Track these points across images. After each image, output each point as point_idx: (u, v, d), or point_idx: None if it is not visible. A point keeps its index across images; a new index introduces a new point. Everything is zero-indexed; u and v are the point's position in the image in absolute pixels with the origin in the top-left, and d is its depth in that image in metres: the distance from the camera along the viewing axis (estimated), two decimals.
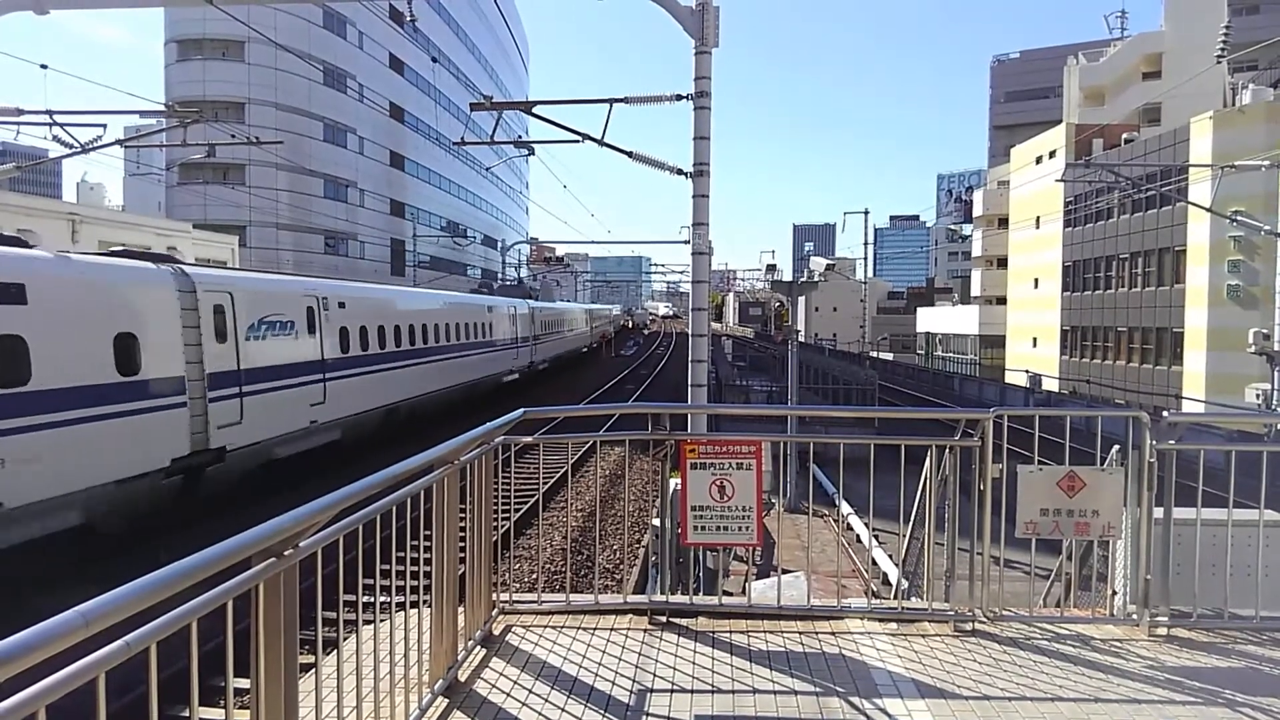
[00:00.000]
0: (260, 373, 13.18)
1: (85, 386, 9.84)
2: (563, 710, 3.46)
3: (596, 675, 3.79)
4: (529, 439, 4.70)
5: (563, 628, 4.36)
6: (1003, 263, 53.86)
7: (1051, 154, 43.46)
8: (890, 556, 10.73)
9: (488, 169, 62.81)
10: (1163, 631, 4.28)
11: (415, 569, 3.54)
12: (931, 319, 64.13)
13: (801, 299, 28.72)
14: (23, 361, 9.01)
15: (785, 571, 9.78)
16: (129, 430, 10.43)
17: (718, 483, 4.40)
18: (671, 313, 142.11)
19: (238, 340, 12.70)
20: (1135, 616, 4.39)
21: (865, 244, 55.86)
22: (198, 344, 11.79)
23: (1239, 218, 21.99)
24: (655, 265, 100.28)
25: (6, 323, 8.88)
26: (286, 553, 2.32)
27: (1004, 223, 53.43)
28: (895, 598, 5.72)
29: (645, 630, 4.33)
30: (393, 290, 22.24)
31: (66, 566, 9.16)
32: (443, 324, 22.33)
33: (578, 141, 12.47)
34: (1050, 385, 37.77)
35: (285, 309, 14.29)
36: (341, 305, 16.21)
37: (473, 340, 25.07)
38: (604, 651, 4.06)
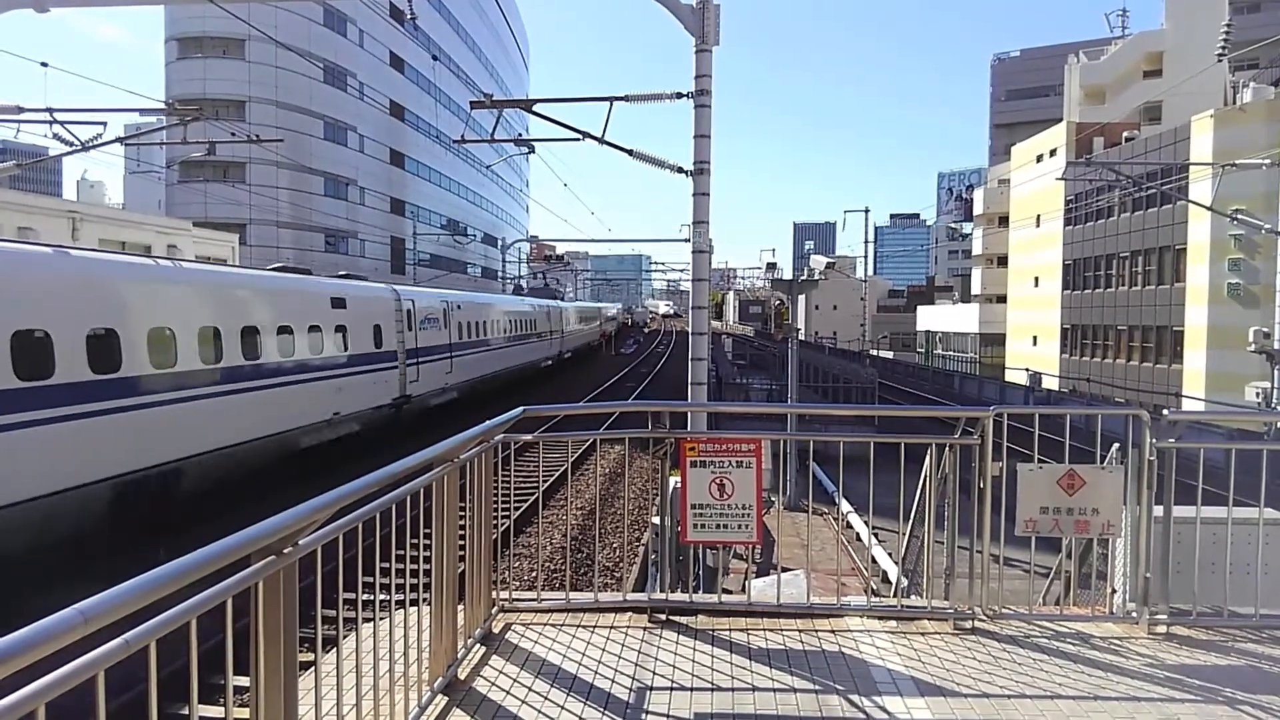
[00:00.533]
0: (425, 350, 20.21)
1: (365, 353, 17.04)
2: (562, 708, 3.45)
3: (596, 673, 3.79)
4: (528, 437, 4.69)
5: (562, 626, 4.36)
6: (1003, 261, 53.81)
7: (1052, 152, 43.40)
8: (890, 554, 10.72)
9: (488, 167, 62.79)
10: (1162, 629, 4.28)
11: (415, 567, 3.54)
12: (932, 317, 64.09)
13: (801, 297, 28.69)
14: (346, 339, 16.24)
15: (785, 569, 9.76)
16: (377, 380, 17.54)
17: (717, 481, 4.40)
18: (672, 311, 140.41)
19: (416, 331, 19.67)
20: (1135, 614, 4.39)
21: (865, 242, 55.95)
22: (401, 332, 18.81)
23: (1239, 216, 21.97)
24: (655, 263, 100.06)
25: (341, 318, 16.13)
26: (286, 551, 2.32)
27: (1004, 221, 53.36)
28: (895, 596, 5.72)
29: (645, 628, 4.32)
30: (485, 295, 32.41)
31: (66, 565, 9.21)
32: (511, 320, 29.81)
33: (578, 140, 12.41)
34: (1050, 383, 37.76)
35: (434, 310, 21.25)
36: (458, 307, 23.22)
37: (527, 333, 32.44)
38: (604, 649, 4.05)
